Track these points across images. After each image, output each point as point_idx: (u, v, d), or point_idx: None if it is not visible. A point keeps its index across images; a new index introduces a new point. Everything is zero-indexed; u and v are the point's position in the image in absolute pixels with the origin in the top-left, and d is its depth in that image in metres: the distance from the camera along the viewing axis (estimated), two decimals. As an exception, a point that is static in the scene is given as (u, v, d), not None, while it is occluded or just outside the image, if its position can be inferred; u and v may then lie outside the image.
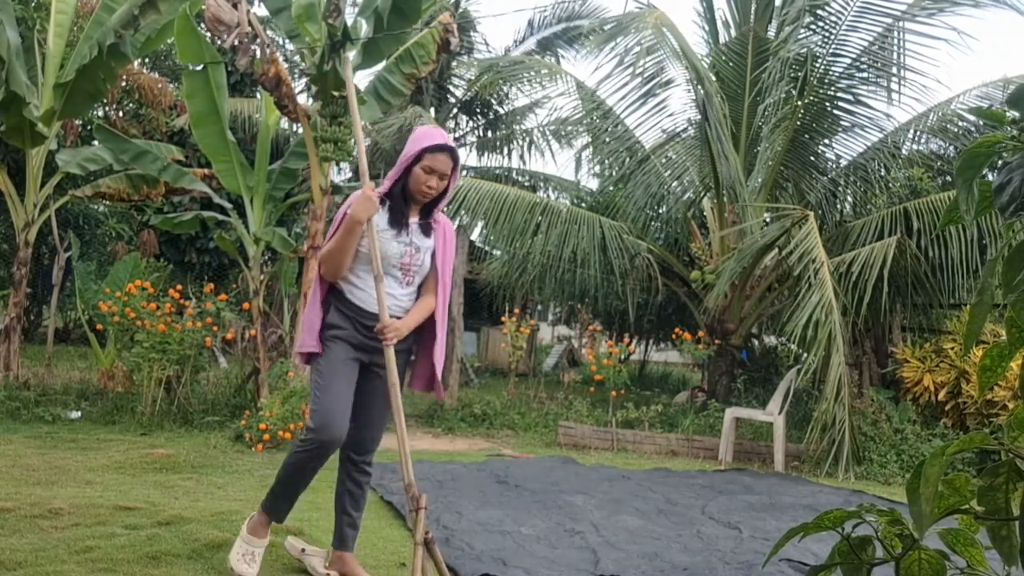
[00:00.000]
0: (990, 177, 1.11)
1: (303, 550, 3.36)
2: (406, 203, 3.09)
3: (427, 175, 3.01)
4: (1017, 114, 1.06)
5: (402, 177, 3.07)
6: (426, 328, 3.18)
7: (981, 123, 8.80)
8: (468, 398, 9.15)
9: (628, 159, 10.49)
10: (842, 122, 9.05)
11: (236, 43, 6.52)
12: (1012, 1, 8.07)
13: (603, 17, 13.80)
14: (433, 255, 3.15)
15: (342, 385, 3.01)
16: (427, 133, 3.08)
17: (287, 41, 12.62)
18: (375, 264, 2.95)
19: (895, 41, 8.29)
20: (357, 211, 2.93)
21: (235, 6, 6.60)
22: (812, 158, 9.41)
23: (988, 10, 8.16)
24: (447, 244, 3.19)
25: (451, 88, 16.43)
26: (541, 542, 4.06)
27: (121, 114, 11.40)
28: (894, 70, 8.34)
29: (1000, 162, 1.06)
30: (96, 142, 9.74)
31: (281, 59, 7.35)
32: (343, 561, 3.19)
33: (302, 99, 8.14)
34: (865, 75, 8.70)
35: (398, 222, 3.07)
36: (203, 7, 6.71)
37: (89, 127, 10.71)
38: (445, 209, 3.30)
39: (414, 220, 3.12)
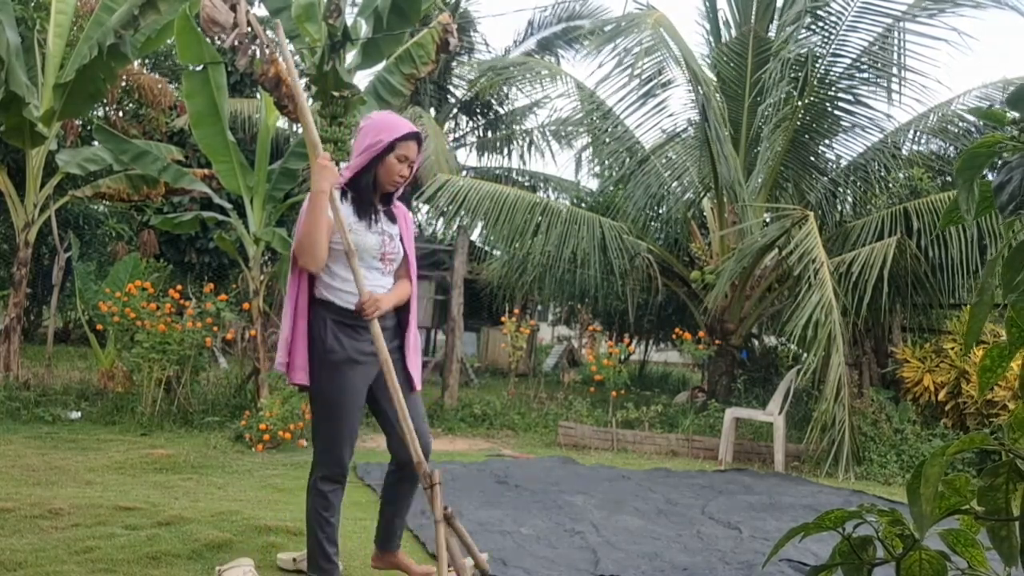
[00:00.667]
0: (990, 177, 1.11)
1: (295, 559, 3.35)
2: (374, 193, 3.06)
3: (401, 164, 2.99)
4: (1017, 114, 1.06)
5: (371, 167, 3.00)
6: (409, 324, 3.18)
7: (981, 124, 8.80)
8: (468, 398, 9.14)
9: (628, 159, 10.49)
10: (842, 122, 9.04)
11: (235, 43, 6.52)
12: (1012, 2, 8.07)
13: (603, 18, 13.80)
14: (401, 240, 3.14)
15: (352, 420, 2.96)
16: (393, 123, 3.01)
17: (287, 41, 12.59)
18: (344, 240, 2.84)
19: (895, 41, 8.28)
20: (319, 181, 2.83)
21: (233, 7, 6.59)
22: (812, 158, 9.40)
23: (988, 11, 8.17)
24: (409, 228, 3.20)
25: (451, 88, 16.43)
26: (541, 542, 4.07)
27: (121, 114, 11.41)
28: (894, 70, 8.33)
29: (1000, 162, 1.07)
30: (96, 142, 9.74)
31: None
32: (394, 558, 3.26)
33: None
34: (865, 75, 8.69)
35: (367, 213, 3.01)
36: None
37: (89, 127, 10.71)
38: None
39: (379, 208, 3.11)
